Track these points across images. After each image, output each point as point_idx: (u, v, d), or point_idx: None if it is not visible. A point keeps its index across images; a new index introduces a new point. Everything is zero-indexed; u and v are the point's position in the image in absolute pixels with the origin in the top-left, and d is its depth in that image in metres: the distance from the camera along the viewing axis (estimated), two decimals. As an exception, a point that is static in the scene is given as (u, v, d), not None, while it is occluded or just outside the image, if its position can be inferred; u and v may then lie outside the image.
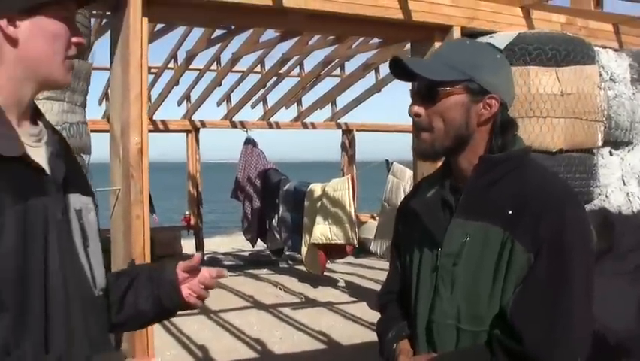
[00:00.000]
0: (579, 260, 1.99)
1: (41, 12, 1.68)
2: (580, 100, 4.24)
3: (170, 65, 11.82)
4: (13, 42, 1.67)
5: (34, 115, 1.81)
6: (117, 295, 2.03)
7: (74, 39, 1.77)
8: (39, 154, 1.73)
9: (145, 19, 3.44)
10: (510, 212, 2.01)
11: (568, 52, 4.23)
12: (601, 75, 4.42)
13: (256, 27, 7.65)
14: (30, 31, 1.67)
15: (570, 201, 2.07)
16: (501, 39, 4.08)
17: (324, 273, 11.29)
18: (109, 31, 3.67)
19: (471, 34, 4.17)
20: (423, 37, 4.43)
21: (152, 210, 15.36)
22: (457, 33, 4.32)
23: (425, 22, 4.29)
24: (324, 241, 10.29)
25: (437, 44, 4.30)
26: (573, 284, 1.96)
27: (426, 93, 2.11)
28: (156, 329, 7.68)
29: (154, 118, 13.18)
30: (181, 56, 11.44)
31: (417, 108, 2.12)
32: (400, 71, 2.17)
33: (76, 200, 1.82)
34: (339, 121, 14.55)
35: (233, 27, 8.50)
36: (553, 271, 1.96)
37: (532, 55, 4.16)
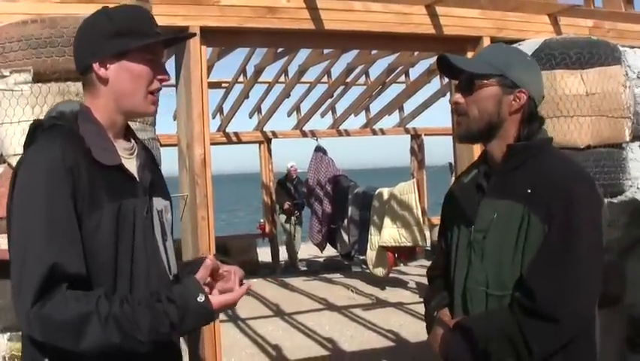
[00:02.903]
0: (586, 229, 2.28)
1: (127, 57, 2.13)
2: (605, 99, 4.53)
3: (240, 79, 12.30)
4: (104, 81, 2.14)
5: (127, 134, 2.29)
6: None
7: (159, 76, 2.21)
8: (131, 164, 2.21)
9: (204, 47, 3.94)
10: (529, 191, 2.34)
11: (592, 54, 4.52)
12: (627, 74, 4.68)
13: (303, 48, 8.02)
14: (117, 72, 2.13)
15: (579, 179, 2.38)
16: (528, 46, 4.37)
17: (396, 275, 11.55)
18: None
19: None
20: (455, 49, 4.70)
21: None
22: (487, 43, 4.63)
23: (456, 35, 4.65)
24: (393, 244, 10.57)
25: (469, 54, 4.65)
26: (580, 251, 2.26)
27: (465, 85, 2.48)
28: (232, 331, 8.22)
29: (227, 130, 13.71)
30: (250, 70, 11.94)
31: (457, 97, 2.49)
32: (445, 67, 2.56)
33: (158, 203, 2.28)
34: (407, 126, 14.78)
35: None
36: (563, 238, 2.26)
37: (557, 59, 4.47)
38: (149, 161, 2.33)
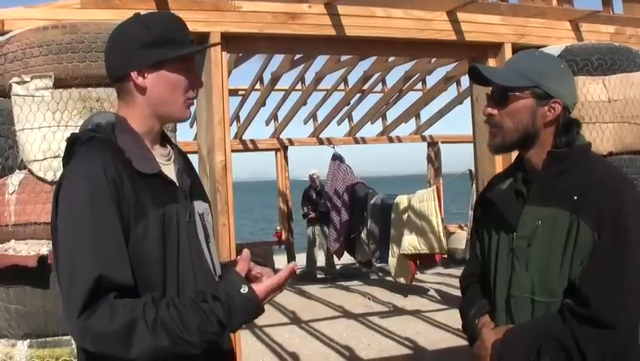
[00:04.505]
0: (636, 234, 2.25)
1: (164, 66, 2.14)
2: (627, 105, 4.48)
3: (257, 86, 12.30)
4: (142, 90, 2.14)
5: (163, 139, 2.30)
6: None
7: (193, 84, 2.23)
8: (170, 170, 2.23)
9: (224, 53, 3.94)
10: (575, 198, 2.31)
11: (614, 61, 4.49)
12: (650, 80, 4.62)
13: (324, 54, 8.03)
14: (155, 81, 2.14)
15: (626, 185, 2.35)
16: (549, 53, 4.34)
17: (413, 283, 11.49)
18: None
19: (521, 49, 4.41)
20: (477, 55, 4.74)
21: None
22: (508, 50, 4.63)
23: (477, 41, 4.62)
24: (413, 251, 10.51)
25: (491, 60, 4.64)
26: (632, 255, 2.24)
27: (498, 97, 2.45)
28: (249, 338, 8.20)
29: (243, 138, 13.72)
30: (266, 77, 11.94)
31: (490, 110, 2.47)
32: (476, 77, 2.54)
33: (199, 206, 2.29)
34: (423, 134, 14.76)
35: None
36: (615, 244, 2.24)
37: (579, 65, 4.44)
38: (186, 165, 2.35)
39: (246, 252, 2.11)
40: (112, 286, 1.93)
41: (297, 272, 14.08)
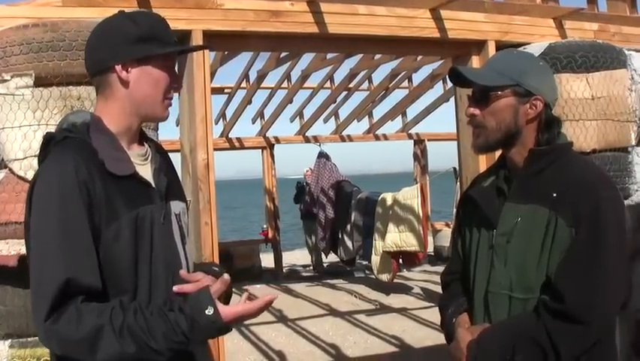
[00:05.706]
0: (613, 232, 2.29)
1: (149, 62, 2.14)
2: (610, 102, 4.50)
3: (243, 84, 12.25)
4: (125, 84, 2.14)
5: (141, 138, 2.29)
6: None
7: (174, 84, 2.22)
8: (146, 171, 2.22)
9: (206, 52, 3.91)
10: (554, 195, 2.35)
11: (597, 58, 4.49)
12: (632, 78, 4.64)
13: (307, 52, 8.04)
14: (139, 76, 2.14)
15: (605, 183, 2.39)
16: (533, 50, 4.30)
17: (399, 281, 11.50)
18: (176, 60, 4.15)
19: (505, 47, 4.42)
20: (460, 53, 4.74)
21: None
22: (491, 47, 4.62)
23: (461, 38, 4.62)
24: (395, 249, 10.50)
25: (474, 58, 4.64)
26: (608, 253, 2.27)
27: (480, 97, 2.48)
28: (235, 337, 8.18)
29: (229, 136, 13.68)
30: (252, 75, 11.89)
31: (472, 110, 2.50)
32: (457, 78, 2.56)
33: (176, 206, 2.28)
34: (410, 132, 14.75)
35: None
36: (592, 241, 2.27)
37: (562, 63, 4.44)
38: (165, 164, 2.33)
39: (226, 277, 2.08)
40: (80, 290, 1.92)
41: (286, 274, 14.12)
